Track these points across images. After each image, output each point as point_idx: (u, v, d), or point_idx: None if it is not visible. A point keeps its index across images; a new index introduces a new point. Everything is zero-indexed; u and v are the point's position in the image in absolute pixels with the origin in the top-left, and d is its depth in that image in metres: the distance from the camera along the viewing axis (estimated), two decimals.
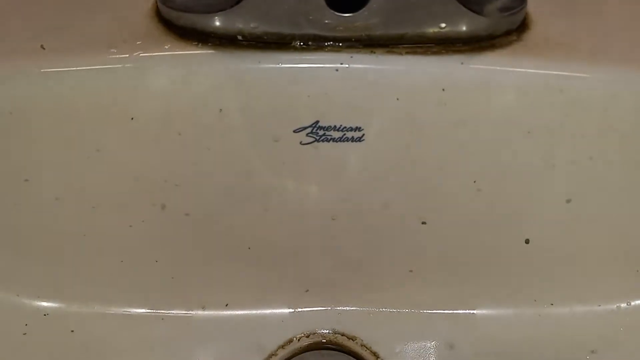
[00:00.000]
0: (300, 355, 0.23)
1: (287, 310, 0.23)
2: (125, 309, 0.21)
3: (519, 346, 0.22)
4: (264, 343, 0.23)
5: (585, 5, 0.21)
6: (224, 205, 0.20)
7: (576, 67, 0.18)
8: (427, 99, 0.18)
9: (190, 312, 0.22)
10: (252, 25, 0.18)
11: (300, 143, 0.20)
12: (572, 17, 0.20)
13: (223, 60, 0.18)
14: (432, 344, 0.22)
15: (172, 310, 0.22)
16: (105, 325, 0.21)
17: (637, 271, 0.21)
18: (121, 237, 0.20)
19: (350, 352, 0.23)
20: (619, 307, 0.21)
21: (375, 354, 0.23)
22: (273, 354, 0.23)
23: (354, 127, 0.19)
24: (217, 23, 0.18)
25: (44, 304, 0.21)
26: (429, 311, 0.22)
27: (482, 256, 0.22)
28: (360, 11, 0.17)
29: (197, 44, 0.18)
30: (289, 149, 0.19)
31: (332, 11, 0.17)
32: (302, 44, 0.18)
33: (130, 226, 0.20)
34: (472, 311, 0.23)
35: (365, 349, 0.23)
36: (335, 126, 0.19)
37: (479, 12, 0.18)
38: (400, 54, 0.18)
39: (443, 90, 0.18)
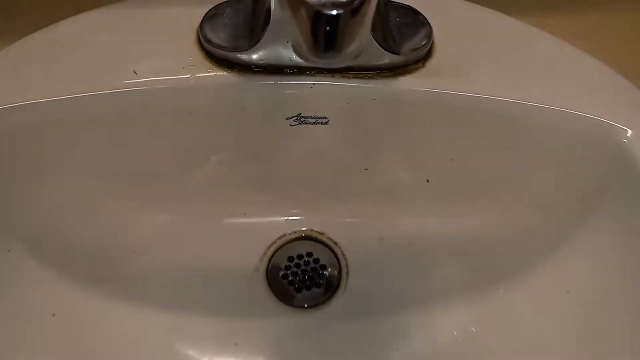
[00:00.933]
0: (290, 243, 0.38)
1: (282, 219, 0.37)
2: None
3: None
4: (269, 236, 0.38)
5: (477, 42, 0.32)
6: (248, 158, 0.34)
7: (456, 86, 0.31)
8: (364, 103, 0.31)
9: (225, 220, 0.37)
10: (260, 60, 0.30)
11: (290, 125, 0.32)
12: (464, 49, 0.32)
13: (243, 80, 0.30)
14: (369, 237, 0.37)
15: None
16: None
17: None
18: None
19: (320, 241, 0.38)
20: None
21: (334, 241, 0.38)
22: (273, 242, 0.38)
23: (322, 116, 0.32)
24: (240, 57, 0.30)
25: None
26: (365, 221, 0.37)
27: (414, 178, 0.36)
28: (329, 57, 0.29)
29: (228, 70, 0.30)
30: (284, 128, 0.32)
31: (312, 57, 0.29)
32: (290, 70, 0.30)
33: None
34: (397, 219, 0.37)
35: (329, 239, 0.38)
36: (311, 116, 0.32)
37: (397, 53, 0.30)
38: (349, 77, 0.30)
39: (374, 99, 0.31)
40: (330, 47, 0.20)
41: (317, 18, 0.19)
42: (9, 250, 0.31)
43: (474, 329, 0.33)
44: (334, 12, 0.18)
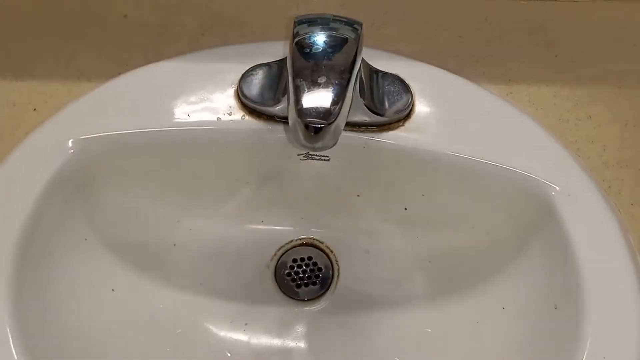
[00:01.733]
0: (295, 248, 0.48)
1: (291, 228, 0.47)
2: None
3: None
4: (280, 241, 0.48)
5: (448, 108, 0.41)
6: (267, 181, 0.44)
7: (427, 143, 0.40)
8: (356, 149, 0.41)
9: (247, 224, 0.47)
10: (281, 113, 0.40)
11: (300, 159, 0.43)
12: (437, 112, 0.41)
13: (268, 126, 0.40)
14: (358, 248, 0.47)
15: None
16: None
17: None
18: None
19: (319, 248, 0.48)
20: None
21: (330, 249, 0.48)
22: (282, 246, 0.48)
23: (325, 155, 0.42)
24: (267, 109, 0.40)
25: None
26: (356, 235, 0.47)
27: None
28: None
29: (257, 118, 0.40)
30: (295, 162, 0.43)
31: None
32: None
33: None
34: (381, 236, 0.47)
35: (327, 247, 0.48)
36: (317, 155, 0.42)
37: (382, 115, 0.39)
38: (346, 130, 0.40)
39: (363, 147, 0.41)
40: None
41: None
42: (86, 239, 0.42)
43: (429, 330, 0.42)
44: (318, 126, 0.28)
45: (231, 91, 0.41)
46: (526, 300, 0.40)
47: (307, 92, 0.28)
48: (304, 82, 0.28)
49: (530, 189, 0.39)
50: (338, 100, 0.28)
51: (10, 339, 0.32)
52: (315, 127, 0.28)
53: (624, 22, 0.47)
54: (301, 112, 0.28)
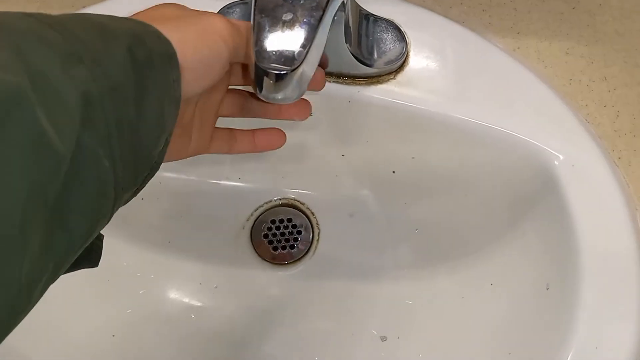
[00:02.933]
0: (275, 208, 0.45)
1: (270, 187, 0.44)
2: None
3: None
4: (258, 199, 0.44)
5: (446, 61, 0.37)
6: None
7: (421, 100, 0.36)
8: (341, 103, 0.37)
9: (222, 181, 0.43)
10: None
11: None
12: (433, 66, 0.37)
13: None
14: (342, 212, 0.44)
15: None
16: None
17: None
18: None
19: (300, 209, 0.45)
20: None
21: (312, 211, 0.44)
22: (260, 206, 0.44)
23: None
24: None
25: None
26: (340, 198, 0.43)
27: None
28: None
29: None
30: None
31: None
32: None
33: None
34: (367, 200, 0.43)
35: (308, 208, 0.45)
36: None
37: (370, 65, 0.35)
38: (330, 81, 0.36)
39: (349, 102, 0.36)
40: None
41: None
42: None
43: (410, 302, 0.39)
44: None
45: None
46: (516, 278, 0.37)
47: (269, 31, 0.24)
48: (266, 19, 0.24)
49: (530, 157, 0.35)
50: (306, 43, 0.24)
51: None
52: (276, 73, 0.24)
53: None
54: (260, 55, 0.23)
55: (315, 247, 0.43)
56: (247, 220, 0.44)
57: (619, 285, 0.31)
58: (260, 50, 0.23)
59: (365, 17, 0.35)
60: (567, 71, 0.38)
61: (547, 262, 0.35)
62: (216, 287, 0.41)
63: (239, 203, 0.44)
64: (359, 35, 0.34)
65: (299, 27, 0.23)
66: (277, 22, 0.23)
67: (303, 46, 0.23)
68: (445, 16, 0.38)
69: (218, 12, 0.36)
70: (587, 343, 0.30)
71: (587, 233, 0.32)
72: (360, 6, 0.35)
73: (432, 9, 0.38)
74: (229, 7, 0.37)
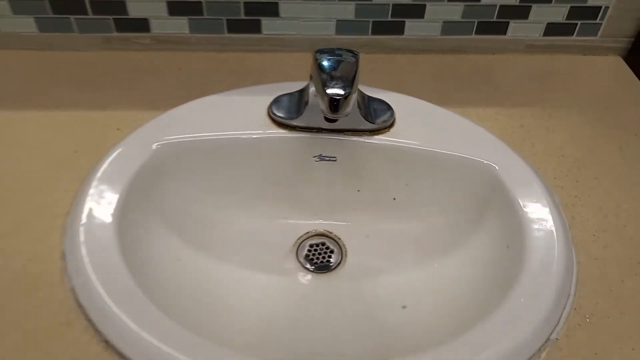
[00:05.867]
0: (312, 237, 0.62)
1: (307, 222, 0.61)
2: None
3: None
4: (298, 231, 0.61)
5: (420, 121, 0.58)
6: (290, 179, 0.59)
7: (404, 142, 0.56)
8: (355, 149, 0.56)
9: (274, 220, 0.61)
10: (301, 124, 0.56)
11: (314, 161, 0.58)
12: (412, 124, 0.58)
13: (291, 134, 0.56)
14: (360, 235, 0.61)
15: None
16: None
17: None
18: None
19: (329, 237, 0.62)
20: None
21: (338, 237, 0.61)
22: (300, 236, 0.61)
23: (333, 156, 0.58)
24: (290, 122, 0.56)
25: None
26: (357, 225, 0.61)
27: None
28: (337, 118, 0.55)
29: (283, 129, 0.56)
30: (311, 162, 0.58)
31: (327, 122, 0.55)
32: (316, 130, 0.56)
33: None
34: (377, 223, 0.61)
35: (335, 236, 0.61)
36: (327, 155, 0.58)
37: (373, 123, 0.56)
38: (347, 135, 0.56)
39: (362, 147, 0.56)
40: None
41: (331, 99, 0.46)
42: (154, 215, 0.55)
43: (418, 285, 0.55)
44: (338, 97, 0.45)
45: (264, 112, 0.57)
46: (487, 246, 0.54)
47: (331, 81, 0.45)
48: (327, 77, 0.45)
49: (482, 170, 0.54)
50: (351, 85, 0.45)
51: (123, 265, 0.45)
52: (338, 98, 0.44)
53: (544, 69, 0.66)
54: (327, 88, 0.44)
55: (345, 260, 0.60)
56: (293, 245, 0.60)
57: (548, 238, 0.48)
58: (328, 88, 0.44)
59: (368, 97, 0.57)
60: (497, 123, 0.60)
61: (505, 232, 0.52)
62: (276, 291, 0.56)
63: (285, 235, 0.61)
64: (366, 107, 0.56)
65: (345, 79, 0.45)
66: (334, 79, 0.45)
67: (350, 87, 0.45)
68: (419, 97, 0.60)
69: (270, 103, 0.57)
70: (531, 280, 0.46)
71: (525, 209, 0.51)
72: (362, 92, 0.57)
73: (409, 94, 0.61)
74: (277, 99, 0.58)
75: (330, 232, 0.62)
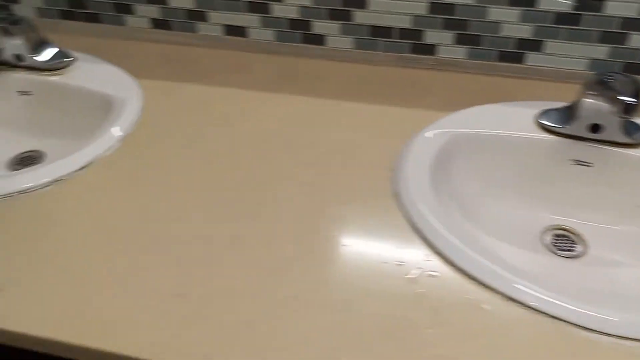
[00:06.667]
0: (554, 230, 0.73)
1: (553, 216, 0.73)
2: None
3: None
4: (544, 224, 0.73)
5: None
6: (547, 177, 0.72)
7: None
8: (613, 158, 0.68)
9: (524, 210, 0.73)
10: (566, 132, 0.69)
11: (570, 164, 0.70)
12: None
13: (556, 140, 0.69)
14: (608, 228, 0.71)
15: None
16: None
17: None
18: None
19: (569, 231, 0.72)
20: None
21: (579, 232, 0.71)
22: (547, 227, 0.73)
23: (589, 162, 0.69)
24: (556, 129, 0.69)
25: None
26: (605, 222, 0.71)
27: None
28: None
29: (549, 134, 0.70)
30: (567, 165, 0.70)
31: (590, 132, 0.68)
32: (577, 138, 0.69)
33: None
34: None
35: (575, 230, 0.72)
36: (583, 161, 0.70)
37: (631, 137, 0.67)
38: (606, 144, 0.68)
39: (619, 157, 0.68)
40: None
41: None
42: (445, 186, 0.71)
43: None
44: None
45: (530, 119, 0.72)
46: None
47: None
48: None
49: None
50: None
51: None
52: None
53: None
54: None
55: (587, 252, 0.70)
56: (541, 233, 0.72)
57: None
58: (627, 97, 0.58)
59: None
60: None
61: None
62: (531, 267, 0.68)
63: (535, 225, 0.73)
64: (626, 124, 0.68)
65: None
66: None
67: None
68: None
69: (539, 113, 0.71)
70: None
71: None
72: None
73: None
74: (544, 112, 0.72)
75: (574, 229, 0.72)
